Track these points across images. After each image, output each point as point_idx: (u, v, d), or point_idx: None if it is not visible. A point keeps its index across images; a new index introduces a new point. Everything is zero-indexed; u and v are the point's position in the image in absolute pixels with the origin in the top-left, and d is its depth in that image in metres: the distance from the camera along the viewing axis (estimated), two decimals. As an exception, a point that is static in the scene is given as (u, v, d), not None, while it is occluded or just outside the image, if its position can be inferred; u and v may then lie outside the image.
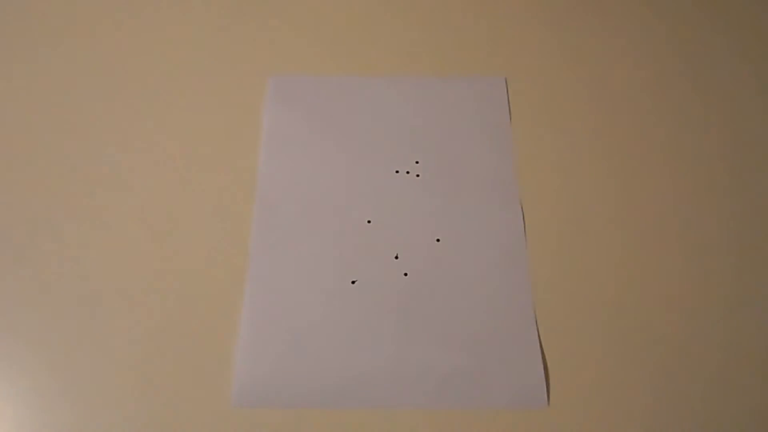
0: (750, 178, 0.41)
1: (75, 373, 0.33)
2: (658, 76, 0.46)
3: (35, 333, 0.34)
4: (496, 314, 0.36)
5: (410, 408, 0.34)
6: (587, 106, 0.44)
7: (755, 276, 0.38)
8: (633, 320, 0.36)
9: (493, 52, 0.47)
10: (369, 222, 0.39)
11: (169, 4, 0.49)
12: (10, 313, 0.36)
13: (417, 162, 0.42)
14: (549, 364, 0.35)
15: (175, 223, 0.39)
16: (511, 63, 0.46)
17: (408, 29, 0.48)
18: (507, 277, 0.37)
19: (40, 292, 0.36)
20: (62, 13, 0.48)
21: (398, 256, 0.38)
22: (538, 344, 0.35)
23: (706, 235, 0.39)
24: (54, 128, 0.43)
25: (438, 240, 0.39)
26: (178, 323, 0.35)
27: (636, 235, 0.39)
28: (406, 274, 0.38)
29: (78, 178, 0.41)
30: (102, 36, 0.47)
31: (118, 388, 0.33)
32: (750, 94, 0.45)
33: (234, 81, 0.45)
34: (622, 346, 0.35)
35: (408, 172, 0.41)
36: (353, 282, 0.37)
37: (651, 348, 0.35)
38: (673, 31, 0.48)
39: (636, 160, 0.42)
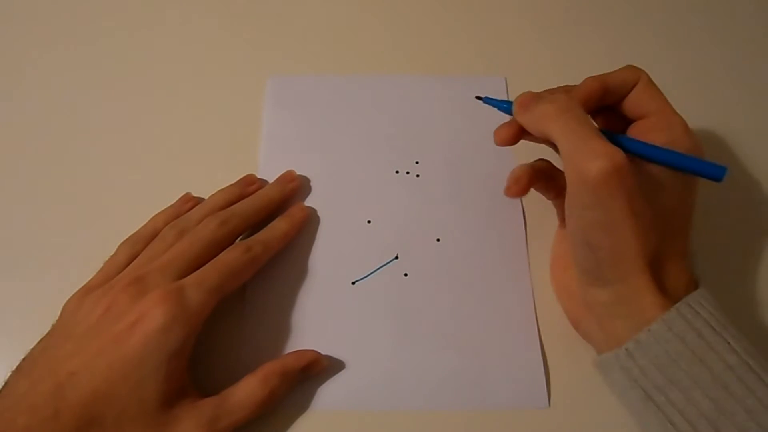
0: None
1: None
2: (658, 77, 0.46)
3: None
4: (496, 314, 0.36)
5: (410, 408, 0.34)
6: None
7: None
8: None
9: (493, 52, 0.47)
10: (369, 222, 0.39)
11: (168, 3, 0.49)
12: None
13: (417, 162, 0.42)
14: (550, 364, 0.35)
15: (175, 223, 0.39)
16: (511, 63, 0.46)
17: (407, 29, 0.48)
18: (507, 277, 0.37)
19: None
20: (60, 13, 0.48)
21: (398, 256, 0.38)
22: (539, 344, 0.35)
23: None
24: (50, 128, 0.43)
25: (438, 240, 0.39)
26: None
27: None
28: (406, 275, 0.37)
29: (74, 181, 0.41)
30: (100, 35, 0.47)
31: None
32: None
33: (233, 81, 0.45)
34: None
35: (408, 172, 0.41)
36: (353, 282, 0.37)
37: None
38: (672, 32, 0.48)
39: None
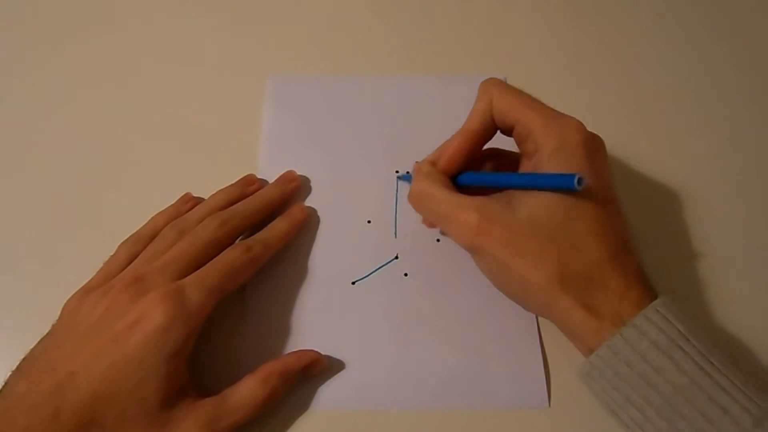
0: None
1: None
2: (658, 77, 0.46)
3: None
4: (496, 314, 0.36)
5: (410, 408, 0.34)
6: (587, 107, 0.44)
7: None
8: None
9: (493, 52, 0.47)
10: (369, 222, 0.39)
11: (167, 2, 0.49)
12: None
13: (417, 162, 0.41)
14: (550, 364, 0.35)
15: (175, 223, 0.39)
16: (511, 63, 0.46)
17: (408, 29, 0.48)
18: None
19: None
20: (58, 12, 0.48)
21: (398, 256, 0.38)
22: (539, 344, 0.35)
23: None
24: (50, 128, 0.43)
25: (438, 240, 0.38)
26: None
27: (638, 235, 0.39)
28: (406, 274, 0.37)
29: (74, 181, 0.41)
30: (99, 34, 0.47)
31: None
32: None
33: (233, 80, 0.45)
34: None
35: (408, 172, 0.41)
36: (353, 282, 0.37)
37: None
38: (672, 31, 0.48)
39: (637, 160, 0.42)
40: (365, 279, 0.37)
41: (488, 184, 0.34)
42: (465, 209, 0.31)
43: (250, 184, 0.39)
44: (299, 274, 0.37)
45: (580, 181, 0.28)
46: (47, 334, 0.32)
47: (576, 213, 0.30)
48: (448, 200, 0.33)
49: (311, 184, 0.40)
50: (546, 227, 0.30)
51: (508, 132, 0.34)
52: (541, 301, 0.31)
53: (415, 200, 0.35)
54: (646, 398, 0.28)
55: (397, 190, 0.40)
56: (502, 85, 0.34)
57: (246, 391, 0.31)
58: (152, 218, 0.37)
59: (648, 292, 0.30)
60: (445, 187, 0.34)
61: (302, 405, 0.33)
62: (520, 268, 0.30)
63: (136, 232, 0.36)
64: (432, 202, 0.34)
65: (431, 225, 0.38)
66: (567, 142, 0.31)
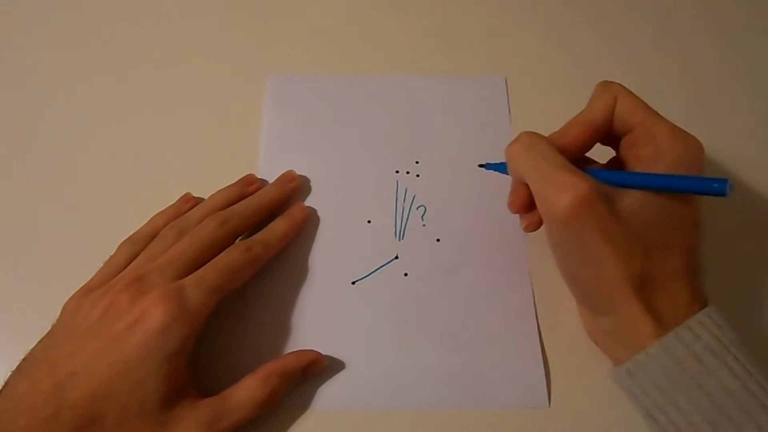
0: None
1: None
2: (658, 78, 0.46)
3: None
4: (496, 314, 0.36)
5: (410, 408, 0.34)
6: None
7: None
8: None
9: (493, 52, 0.47)
10: (369, 222, 0.39)
11: (167, 2, 0.49)
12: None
13: (417, 162, 0.42)
14: (550, 364, 0.35)
15: (175, 223, 0.39)
16: (511, 63, 0.46)
17: (407, 29, 0.48)
18: (507, 277, 0.37)
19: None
20: (58, 13, 0.48)
21: (398, 256, 0.38)
22: (539, 344, 0.35)
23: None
24: (50, 128, 0.43)
25: (438, 240, 0.39)
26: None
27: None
28: (406, 274, 0.37)
29: (74, 181, 0.41)
30: (100, 35, 0.47)
31: None
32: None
33: (233, 80, 0.45)
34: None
35: (408, 172, 0.41)
36: (353, 282, 0.37)
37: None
38: (672, 31, 0.48)
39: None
40: (365, 279, 0.37)
41: (623, 183, 0.30)
42: (575, 174, 0.29)
43: (250, 184, 0.39)
44: (299, 274, 0.37)
45: (732, 187, 0.27)
46: (47, 334, 0.32)
47: (674, 222, 0.30)
48: (557, 159, 0.30)
49: (311, 184, 0.40)
50: (642, 225, 0.29)
51: (616, 136, 0.33)
52: (609, 296, 0.30)
53: (518, 150, 0.32)
54: (694, 400, 0.28)
55: (396, 190, 0.40)
56: (625, 88, 0.33)
57: (246, 391, 0.31)
58: (152, 218, 0.37)
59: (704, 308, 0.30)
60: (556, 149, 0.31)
61: (302, 405, 0.33)
62: (604, 258, 0.29)
63: (136, 232, 0.36)
64: (538, 157, 0.31)
65: (520, 207, 0.34)
66: (692, 156, 0.30)
